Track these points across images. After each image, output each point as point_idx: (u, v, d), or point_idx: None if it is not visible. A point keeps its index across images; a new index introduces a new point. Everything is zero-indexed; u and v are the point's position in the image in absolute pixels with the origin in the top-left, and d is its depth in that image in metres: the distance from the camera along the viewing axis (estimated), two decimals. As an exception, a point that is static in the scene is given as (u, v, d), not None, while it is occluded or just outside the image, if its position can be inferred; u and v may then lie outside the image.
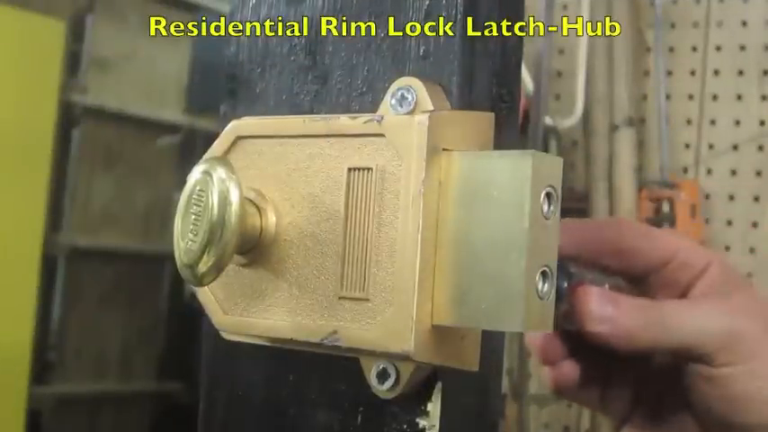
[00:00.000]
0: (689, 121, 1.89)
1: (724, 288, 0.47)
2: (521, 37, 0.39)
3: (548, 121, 1.88)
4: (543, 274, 0.33)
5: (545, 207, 0.33)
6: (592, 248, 0.47)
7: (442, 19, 0.36)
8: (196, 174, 0.35)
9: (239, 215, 0.34)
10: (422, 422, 0.35)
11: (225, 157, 0.38)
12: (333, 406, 0.37)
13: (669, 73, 1.90)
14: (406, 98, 0.35)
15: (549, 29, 1.80)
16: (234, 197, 0.34)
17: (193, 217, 0.34)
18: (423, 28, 0.36)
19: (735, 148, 1.84)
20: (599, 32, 1.91)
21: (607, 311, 0.43)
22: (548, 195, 0.33)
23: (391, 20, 0.37)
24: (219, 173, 0.34)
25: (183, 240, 0.35)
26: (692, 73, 1.89)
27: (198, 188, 0.34)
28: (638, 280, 0.48)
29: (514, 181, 0.33)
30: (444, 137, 0.34)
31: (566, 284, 0.44)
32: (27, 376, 2.46)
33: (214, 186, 0.34)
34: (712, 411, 0.46)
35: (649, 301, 0.45)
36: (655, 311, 0.44)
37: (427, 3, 0.36)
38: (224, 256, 0.34)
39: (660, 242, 0.47)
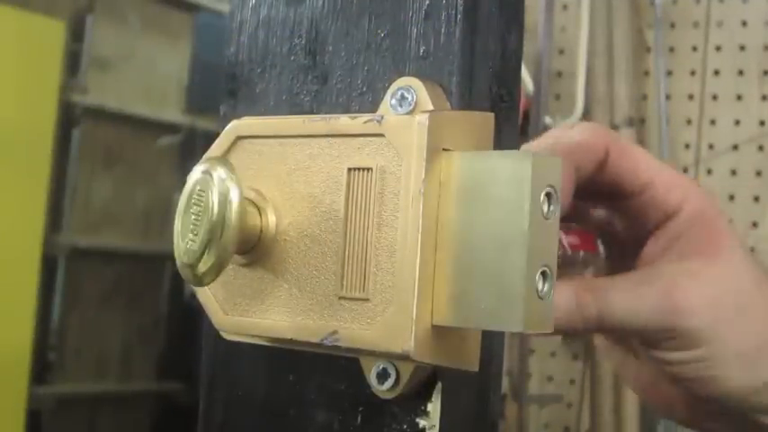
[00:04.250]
0: (689, 121, 1.89)
1: (687, 242, 0.45)
2: (521, 37, 0.39)
3: (548, 121, 1.88)
4: (543, 274, 0.33)
5: (545, 207, 0.33)
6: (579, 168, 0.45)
7: (441, 19, 0.36)
8: (196, 173, 0.35)
9: (239, 215, 0.34)
10: (422, 422, 0.35)
11: (225, 157, 0.38)
12: (333, 406, 0.37)
13: (669, 73, 1.90)
14: (406, 98, 0.35)
15: (549, 29, 1.80)
16: (234, 197, 0.34)
17: (193, 217, 0.34)
18: (423, 28, 0.36)
19: (735, 148, 1.84)
20: (599, 32, 1.91)
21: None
22: (548, 195, 0.33)
23: (391, 20, 0.37)
24: (219, 172, 0.34)
25: (183, 240, 0.35)
26: (692, 73, 1.89)
27: (198, 188, 0.34)
28: (621, 203, 0.47)
29: (514, 181, 0.33)
30: (444, 137, 0.34)
31: None
32: (27, 376, 2.46)
33: (214, 186, 0.34)
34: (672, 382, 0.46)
35: (588, 291, 0.44)
36: (591, 307, 0.43)
37: (427, 3, 0.36)
38: (224, 255, 0.34)
39: (639, 167, 0.45)
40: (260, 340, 0.37)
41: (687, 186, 0.46)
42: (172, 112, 3.03)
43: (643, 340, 0.45)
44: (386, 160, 0.34)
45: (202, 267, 0.34)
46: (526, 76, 1.78)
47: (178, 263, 0.35)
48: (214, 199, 0.34)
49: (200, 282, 0.35)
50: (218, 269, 0.34)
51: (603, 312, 0.43)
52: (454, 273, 0.34)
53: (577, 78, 1.92)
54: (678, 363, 0.44)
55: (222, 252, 0.34)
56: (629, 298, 0.44)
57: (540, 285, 0.33)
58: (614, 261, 0.50)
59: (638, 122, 1.92)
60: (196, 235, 0.34)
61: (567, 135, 0.45)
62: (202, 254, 0.34)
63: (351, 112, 0.38)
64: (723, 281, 0.45)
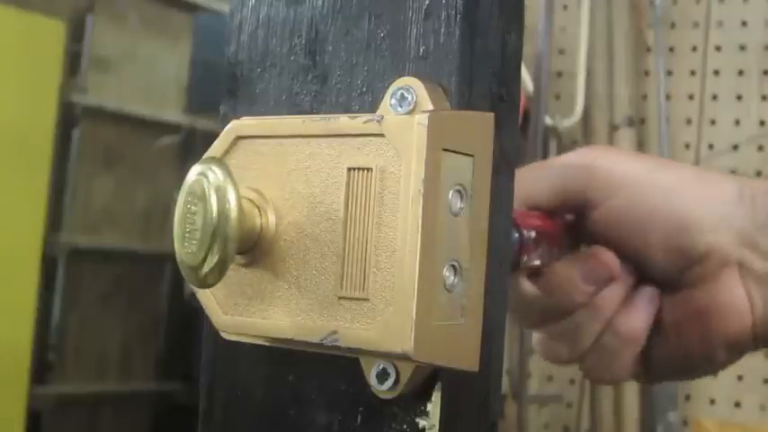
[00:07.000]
0: (689, 121, 1.89)
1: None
2: (521, 37, 0.39)
3: (548, 121, 1.88)
4: (452, 267, 0.34)
5: (456, 204, 0.34)
6: (557, 199, 0.50)
7: (441, 19, 0.36)
8: (192, 176, 0.35)
9: (239, 215, 0.34)
10: (422, 422, 0.35)
11: (220, 158, 0.38)
12: (333, 406, 0.37)
13: (669, 73, 1.90)
14: (406, 98, 0.35)
15: (549, 29, 1.80)
16: (231, 197, 0.34)
17: (192, 219, 0.34)
18: (422, 28, 0.36)
19: (735, 148, 1.84)
20: (599, 32, 1.91)
21: None
22: (458, 192, 0.34)
23: (391, 20, 0.37)
24: (216, 173, 0.34)
25: (184, 243, 0.34)
26: (692, 73, 1.89)
27: (195, 190, 0.34)
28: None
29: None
30: (444, 137, 0.34)
31: (516, 235, 0.47)
32: (27, 376, 2.46)
33: (211, 187, 0.34)
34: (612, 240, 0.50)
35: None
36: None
37: (427, 3, 0.36)
38: (226, 257, 0.34)
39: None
40: (260, 340, 0.37)
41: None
42: (172, 112, 3.03)
43: (582, 203, 0.49)
44: (386, 160, 0.34)
45: (205, 269, 0.34)
46: (526, 76, 1.78)
47: (180, 266, 0.35)
48: (212, 201, 0.34)
49: (204, 284, 0.35)
50: (221, 270, 0.34)
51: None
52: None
53: (577, 78, 1.92)
54: (613, 208, 0.49)
55: (224, 254, 0.34)
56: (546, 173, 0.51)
57: (449, 279, 0.34)
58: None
59: (638, 122, 1.92)
60: (196, 238, 0.34)
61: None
62: (205, 256, 0.34)
63: (351, 112, 0.38)
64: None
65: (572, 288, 0.49)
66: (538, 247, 0.49)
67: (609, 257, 0.49)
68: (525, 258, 0.48)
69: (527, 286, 0.50)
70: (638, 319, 0.49)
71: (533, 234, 0.48)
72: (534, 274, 0.50)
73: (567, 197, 0.50)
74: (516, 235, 0.47)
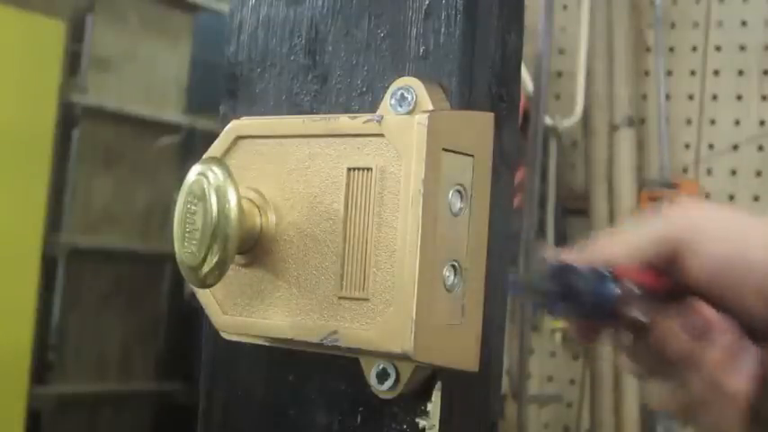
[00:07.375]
0: (689, 121, 1.89)
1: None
2: (521, 37, 0.39)
3: (548, 121, 1.88)
4: (453, 267, 0.34)
5: (456, 204, 0.34)
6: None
7: (441, 19, 0.36)
8: (192, 176, 0.35)
9: (239, 215, 0.34)
10: (422, 422, 0.35)
11: (220, 158, 0.38)
12: (333, 406, 0.37)
13: (669, 73, 1.90)
14: (406, 98, 0.35)
15: (549, 29, 1.80)
16: (232, 198, 0.34)
17: (192, 219, 0.34)
18: (422, 28, 0.36)
19: (735, 148, 1.84)
20: (599, 32, 1.91)
21: None
22: (458, 192, 0.34)
23: (391, 20, 0.37)
24: (216, 173, 0.34)
25: (184, 243, 0.34)
26: (692, 73, 1.89)
27: (195, 190, 0.34)
28: None
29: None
30: (444, 137, 0.34)
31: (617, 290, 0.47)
32: (27, 376, 2.46)
33: (211, 187, 0.34)
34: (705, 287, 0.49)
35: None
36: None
37: (427, 3, 0.36)
38: (226, 257, 0.34)
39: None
40: (260, 340, 0.37)
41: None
42: (172, 112, 3.03)
43: (678, 254, 0.49)
44: (386, 160, 0.34)
45: (205, 269, 0.34)
46: (526, 76, 1.78)
47: (181, 266, 0.35)
48: (212, 201, 0.34)
49: (204, 284, 0.35)
50: (221, 270, 0.34)
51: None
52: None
53: (577, 78, 1.92)
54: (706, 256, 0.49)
55: (224, 254, 0.34)
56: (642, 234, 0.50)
57: (449, 279, 0.34)
58: None
59: (638, 122, 1.92)
60: (197, 238, 0.34)
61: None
62: (205, 256, 0.34)
63: (351, 112, 0.38)
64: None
65: (673, 341, 0.49)
66: (640, 301, 0.49)
67: (708, 310, 0.50)
68: (626, 310, 0.49)
69: (633, 340, 0.51)
70: (742, 377, 0.50)
71: (633, 286, 0.49)
72: (641, 327, 0.51)
73: (668, 249, 0.50)
74: (614, 287, 0.47)
